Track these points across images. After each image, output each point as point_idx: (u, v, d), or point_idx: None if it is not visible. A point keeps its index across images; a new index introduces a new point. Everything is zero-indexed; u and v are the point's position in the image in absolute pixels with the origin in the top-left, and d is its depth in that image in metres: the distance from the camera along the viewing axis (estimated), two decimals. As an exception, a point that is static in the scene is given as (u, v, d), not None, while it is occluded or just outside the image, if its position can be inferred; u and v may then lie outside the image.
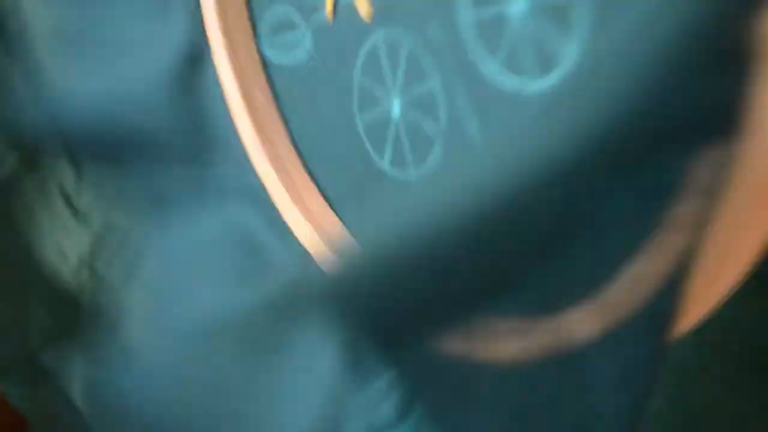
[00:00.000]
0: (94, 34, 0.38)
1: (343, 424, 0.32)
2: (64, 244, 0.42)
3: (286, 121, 0.34)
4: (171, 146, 0.38)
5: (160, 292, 0.39)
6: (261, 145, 0.34)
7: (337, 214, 0.33)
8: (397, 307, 0.26)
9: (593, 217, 0.25)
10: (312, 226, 0.32)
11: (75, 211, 0.42)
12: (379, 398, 0.31)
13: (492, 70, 0.28)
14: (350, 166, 0.31)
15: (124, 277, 0.40)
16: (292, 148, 0.34)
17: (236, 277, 0.36)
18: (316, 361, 0.33)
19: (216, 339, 0.35)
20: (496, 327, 0.27)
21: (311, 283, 0.32)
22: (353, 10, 0.31)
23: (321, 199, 0.33)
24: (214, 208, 0.38)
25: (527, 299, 0.26)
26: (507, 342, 0.27)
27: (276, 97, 0.34)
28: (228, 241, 0.36)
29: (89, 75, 0.38)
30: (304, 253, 0.33)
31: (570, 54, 0.27)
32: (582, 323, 0.26)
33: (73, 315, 0.41)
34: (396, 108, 0.30)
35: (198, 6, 0.35)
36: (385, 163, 0.30)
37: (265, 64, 0.34)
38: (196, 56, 0.36)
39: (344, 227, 0.33)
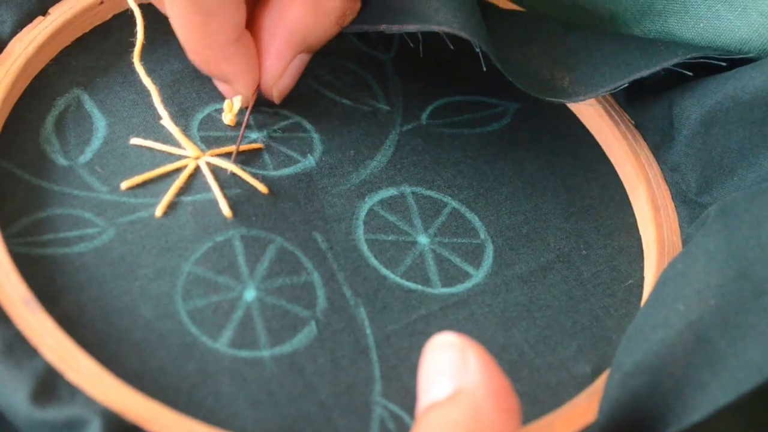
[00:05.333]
0: None
1: None
2: None
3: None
4: None
5: None
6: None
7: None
8: None
9: None
10: None
11: None
12: None
13: (393, 277, 0.36)
14: (165, 348, 0.32)
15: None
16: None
17: None
18: None
19: None
20: None
21: None
22: (201, 209, 0.35)
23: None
24: None
25: None
26: None
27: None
28: None
29: None
30: None
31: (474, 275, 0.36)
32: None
33: None
34: (249, 294, 0.33)
35: None
36: (220, 345, 0.32)
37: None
38: None
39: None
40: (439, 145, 0.40)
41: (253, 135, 0.38)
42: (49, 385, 0.28)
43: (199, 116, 0.38)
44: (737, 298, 0.30)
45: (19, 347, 0.29)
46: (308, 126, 0.39)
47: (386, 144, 0.40)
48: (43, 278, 0.32)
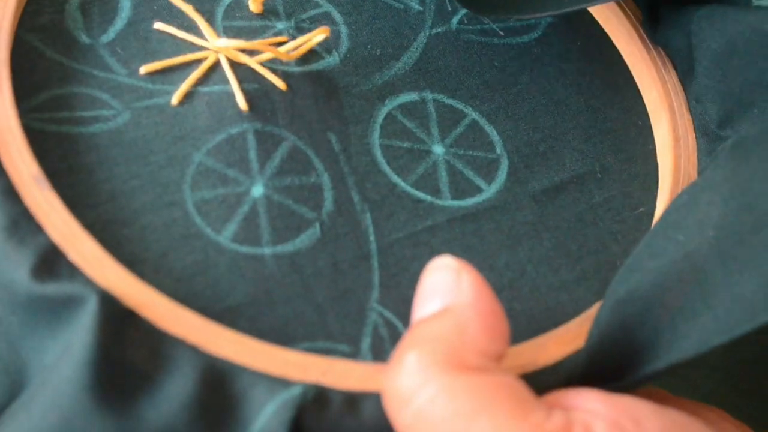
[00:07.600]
0: None
1: None
2: None
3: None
4: None
5: None
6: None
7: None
8: None
9: None
10: None
11: None
12: None
13: (403, 185, 0.35)
14: (169, 236, 0.32)
15: None
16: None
17: None
18: None
19: None
20: None
21: None
22: (217, 101, 0.35)
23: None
24: None
25: None
26: None
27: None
28: None
29: None
30: None
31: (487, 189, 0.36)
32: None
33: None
34: (257, 191, 0.33)
35: None
36: (223, 238, 0.32)
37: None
38: None
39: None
40: (466, 52, 0.40)
41: (280, 25, 0.38)
42: (51, 262, 0.29)
43: (226, 2, 0.38)
44: (737, 230, 0.30)
45: (24, 224, 0.29)
46: (338, 18, 0.39)
47: (413, 46, 0.39)
48: (55, 156, 0.32)
